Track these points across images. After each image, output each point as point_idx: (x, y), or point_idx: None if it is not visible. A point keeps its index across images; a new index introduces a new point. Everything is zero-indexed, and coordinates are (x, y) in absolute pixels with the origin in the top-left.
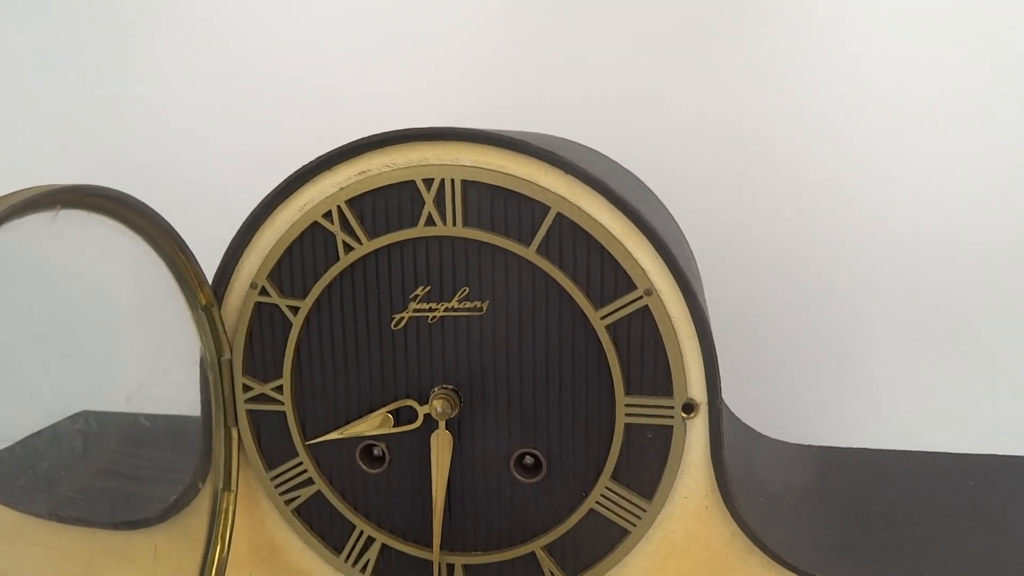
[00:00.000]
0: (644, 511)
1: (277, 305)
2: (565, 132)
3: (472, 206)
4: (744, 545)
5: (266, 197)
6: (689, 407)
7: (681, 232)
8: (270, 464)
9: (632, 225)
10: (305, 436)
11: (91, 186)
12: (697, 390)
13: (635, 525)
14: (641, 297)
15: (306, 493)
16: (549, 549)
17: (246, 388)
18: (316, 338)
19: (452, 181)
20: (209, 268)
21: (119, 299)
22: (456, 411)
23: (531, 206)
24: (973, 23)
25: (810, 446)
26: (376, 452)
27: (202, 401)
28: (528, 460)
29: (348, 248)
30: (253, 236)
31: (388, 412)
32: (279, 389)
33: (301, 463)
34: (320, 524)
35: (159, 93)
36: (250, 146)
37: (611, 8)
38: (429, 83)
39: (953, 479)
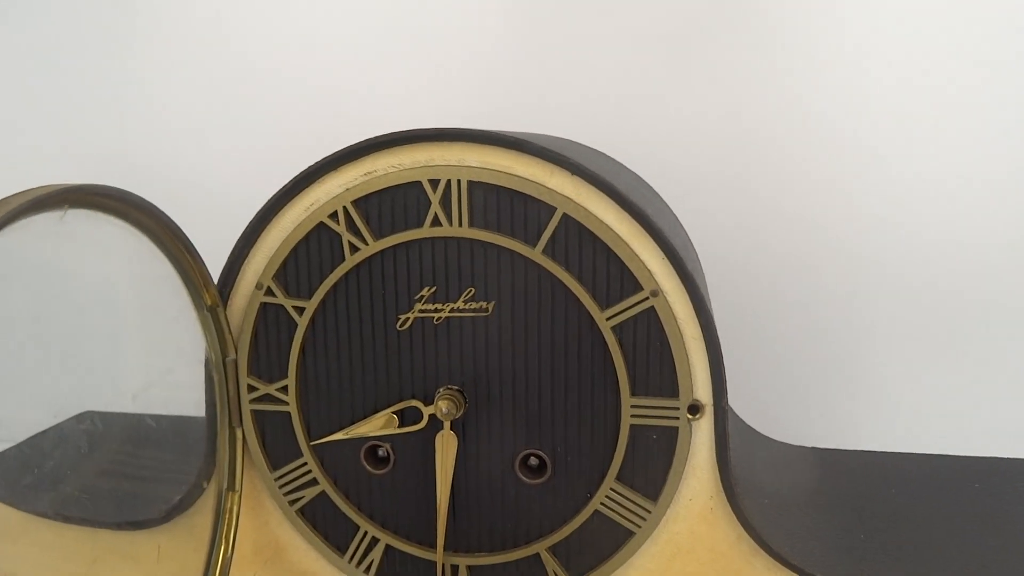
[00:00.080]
0: (649, 512)
1: (282, 305)
2: (567, 133)
3: (478, 207)
4: (749, 547)
5: (272, 197)
6: (695, 408)
7: (686, 234)
8: (274, 464)
9: (638, 226)
10: (310, 436)
11: (99, 186)
12: (703, 391)
13: (640, 526)
14: (647, 298)
15: (310, 493)
16: (554, 550)
17: (251, 388)
18: (321, 338)
19: (458, 182)
20: (214, 268)
21: (125, 299)
22: (461, 412)
23: (537, 207)
24: (975, 22)
25: (814, 448)
26: (381, 453)
27: (207, 401)
28: (533, 461)
29: (354, 249)
30: (259, 236)
31: (393, 413)
32: (284, 389)
33: (305, 463)
34: (324, 525)
35: (163, 93)
36: (255, 146)
37: (613, 8)
38: (432, 83)
39: (958, 482)
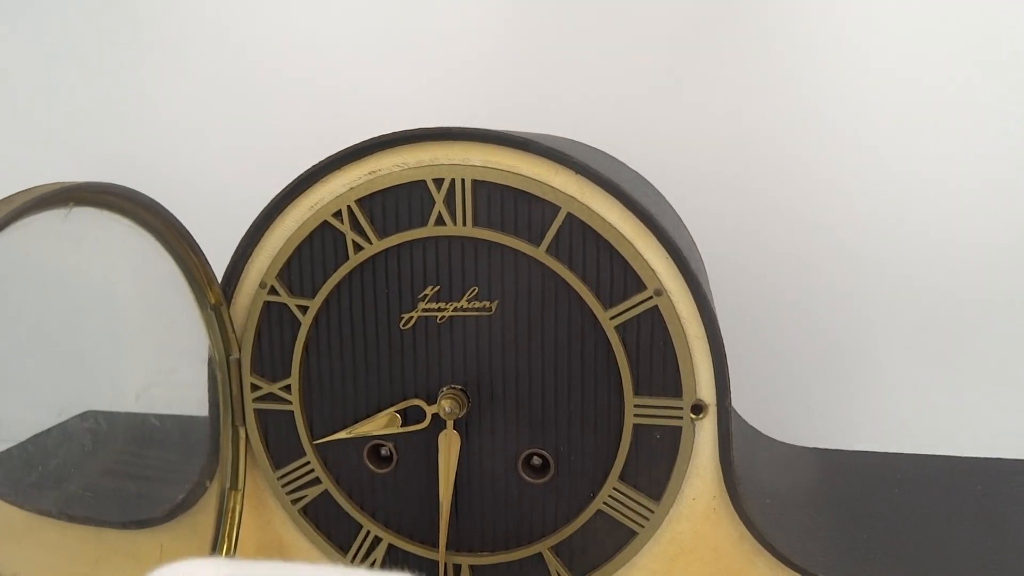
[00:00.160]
0: (652, 512)
1: (286, 304)
2: (571, 132)
3: (482, 206)
4: (752, 547)
5: (276, 196)
6: (698, 408)
7: (689, 233)
8: (277, 463)
9: (642, 225)
10: (313, 435)
11: (103, 183)
12: (706, 391)
13: (643, 526)
14: (651, 297)
15: (313, 493)
16: (556, 550)
17: (254, 387)
18: (325, 337)
19: (462, 181)
20: (218, 267)
21: (128, 297)
22: (464, 411)
23: (541, 206)
24: (976, 22)
25: (816, 448)
26: (384, 452)
27: (210, 400)
28: (536, 460)
29: (358, 247)
30: (263, 235)
31: (396, 412)
32: (287, 388)
33: (308, 463)
34: (327, 524)
35: (167, 92)
36: (259, 145)
37: (615, 8)
38: (435, 83)
39: (959, 482)
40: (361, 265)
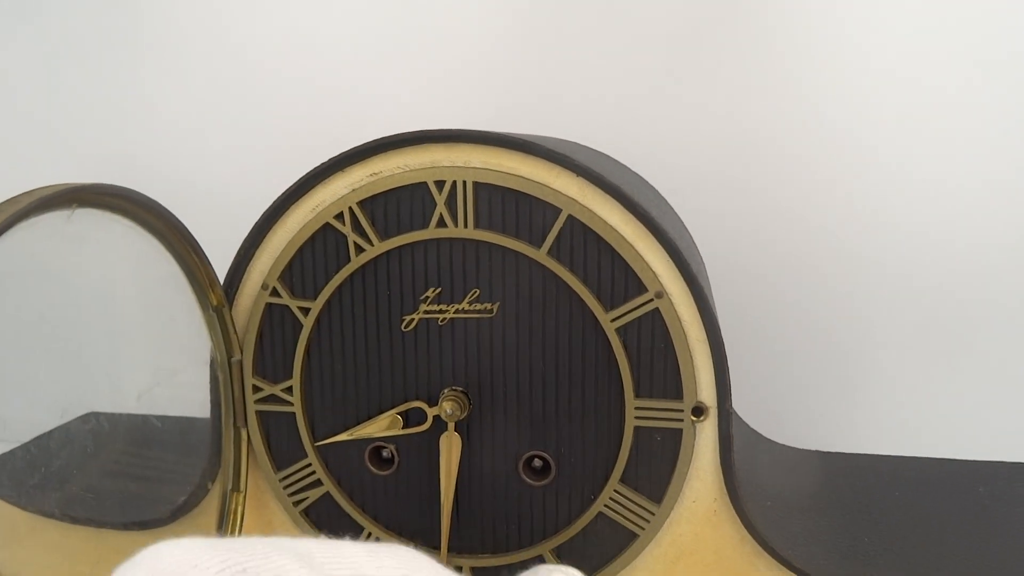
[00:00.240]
0: (653, 514)
1: (288, 306)
2: (572, 134)
3: (483, 208)
4: (753, 549)
5: (278, 198)
6: (699, 410)
7: (691, 236)
8: (279, 465)
9: (643, 228)
10: (314, 437)
11: (106, 185)
12: (707, 394)
13: (643, 528)
14: (652, 300)
15: (315, 494)
16: (557, 552)
17: (256, 389)
18: (326, 339)
19: (464, 183)
20: (220, 268)
21: (130, 298)
22: (465, 413)
23: (542, 208)
24: (976, 22)
25: (818, 451)
26: (385, 454)
27: (212, 402)
28: (537, 463)
29: (359, 249)
30: (265, 237)
31: (397, 414)
32: (289, 390)
33: (310, 464)
34: (328, 525)
35: (170, 93)
36: (261, 147)
37: (617, 10)
38: (436, 85)
39: (961, 485)
40: (363, 267)
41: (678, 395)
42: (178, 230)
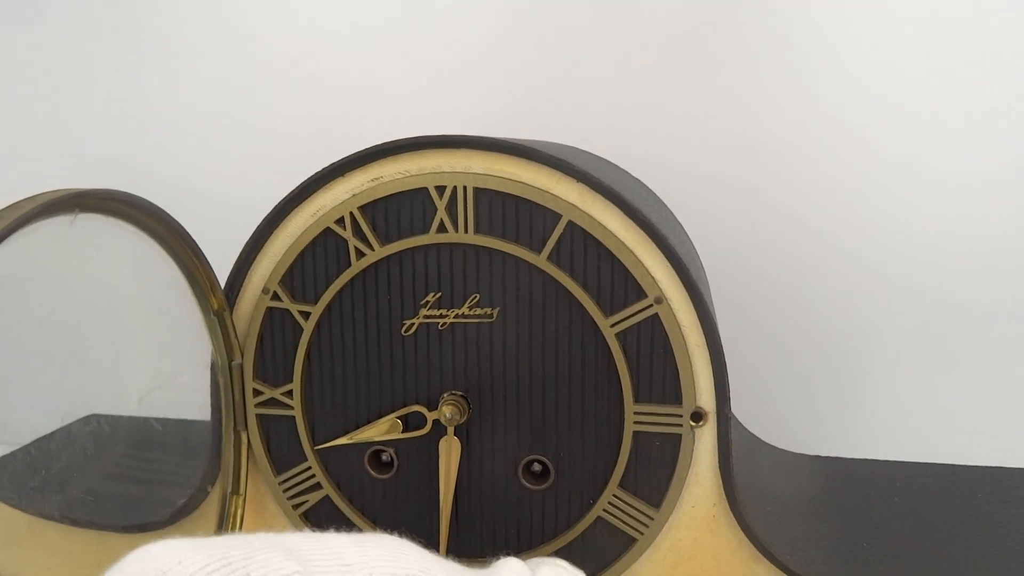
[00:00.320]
0: (652, 519)
1: (288, 310)
2: (573, 140)
3: (484, 213)
4: (752, 554)
5: (279, 203)
6: (698, 416)
7: (690, 241)
8: (279, 468)
9: (643, 233)
10: (314, 441)
11: (108, 190)
12: (706, 399)
13: (642, 533)
14: (651, 305)
15: (314, 498)
16: (556, 556)
17: (256, 392)
18: (327, 343)
19: (464, 188)
20: (221, 273)
21: (132, 302)
22: (465, 417)
23: (542, 214)
24: (979, 23)
25: (817, 456)
26: (384, 458)
27: (212, 405)
28: (536, 467)
29: (360, 254)
30: (266, 241)
31: (397, 418)
32: (289, 394)
33: (310, 468)
34: (327, 529)
35: (171, 98)
36: (262, 152)
37: (618, 15)
38: (437, 90)
39: (961, 491)
40: (363, 271)
41: (677, 400)
42: (179, 234)
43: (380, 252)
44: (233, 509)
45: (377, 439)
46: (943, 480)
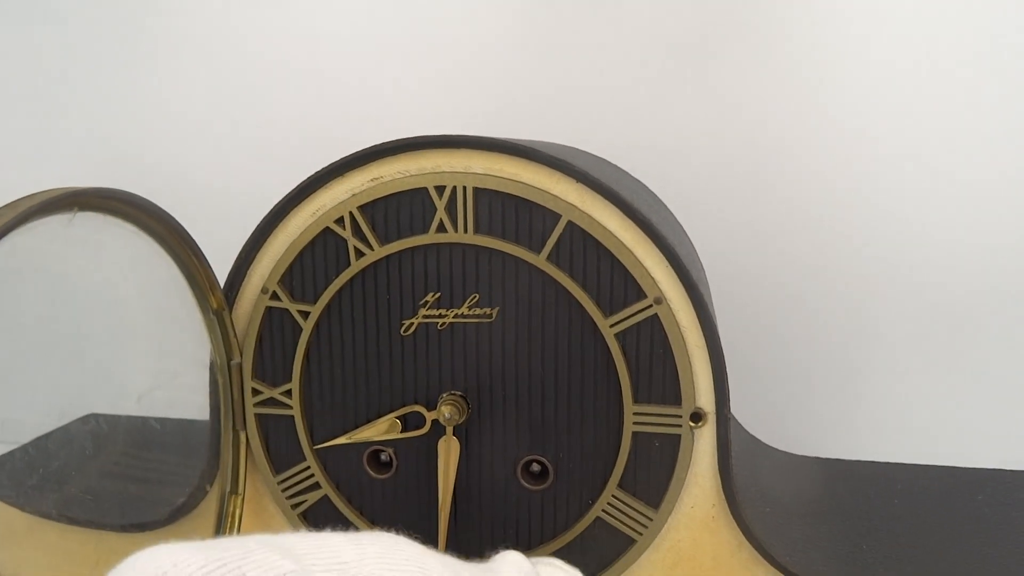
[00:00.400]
0: (651, 520)
1: (288, 310)
2: (573, 140)
3: (483, 213)
4: (751, 555)
5: (279, 202)
6: (697, 416)
7: (690, 241)
8: (277, 468)
9: (643, 234)
10: (313, 441)
11: (107, 189)
12: (705, 400)
13: (641, 534)
14: (651, 306)
15: (313, 497)
16: (555, 557)
17: (255, 392)
18: (326, 343)
19: (464, 188)
20: (221, 272)
21: (131, 301)
22: (464, 417)
23: (542, 214)
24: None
25: (818, 458)
26: (383, 457)
27: (211, 404)
28: (535, 467)
29: (359, 254)
30: (265, 241)
31: (396, 418)
32: (288, 393)
33: (308, 468)
34: (326, 529)
35: (171, 98)
36: (262, 151)
37: (619, 16)
38: (438, 90)
39: (961, 493)
40: (363, 271)
41: (677, 401)
42: (179, 234)
43: (379, 252)
44: (232, 509)
45: (376, 439)
46: (943, 482)
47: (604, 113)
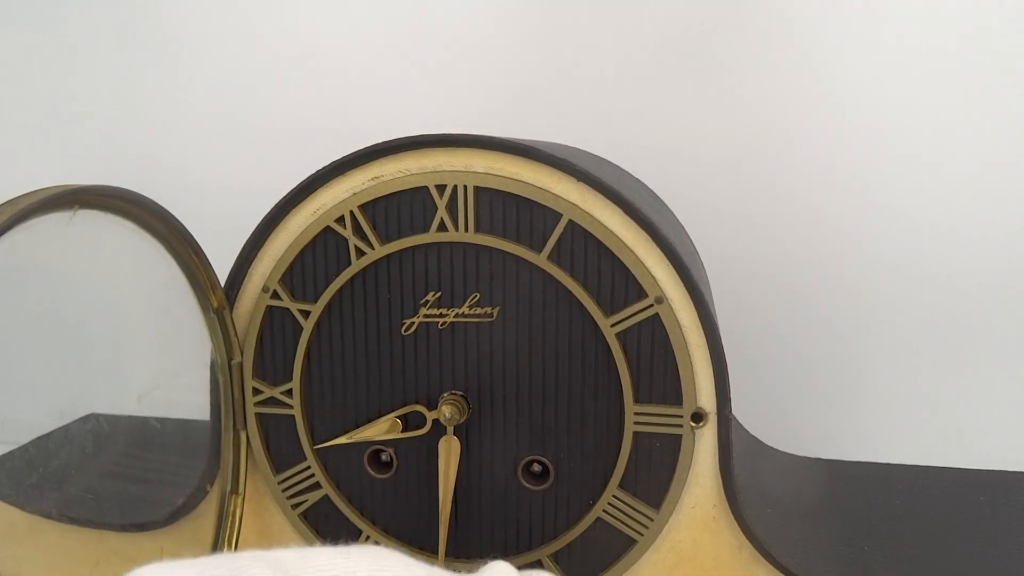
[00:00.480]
0: (652, 520)
1: (288, 309)
2: (574, 139)
3: (484, 212)
4: (752, 556)
5: (280, 201)
6: (698, 416)
7: (691, 241)
8: (278, 468)
9: (644, 233)
10: (313, 440)
11: (108, 187)
12: (706, 400)
13: (642, 534)
14: (652, 305)
15: (313, 497)
16: (555, 557)
17: (256, 391)
18: (326, 342)
19: (464, 187)
20: (221, 271)
21: (131, 300)
22: (465, 417)
23: (543, 213)
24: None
25: (818, 459)
26: (384, 457)
27: (211, 404)
28: (536, 467)
29: (360, 253)
30: (266, 240)
31: (397, 417)
32: (288, 393)
33: (309, 467)
34: (327, 529)
35: (172, 96)
36: (263, 150)
37: (619, 16)
38: (438, 90)
39: (962, 494)
40: (363, 270)
41: (678, 401)
42: (179, 232)
43: (380, 251)
44: (232, 508)
45: (377, 439)
46: (945, 483)
47: (605, 112)
